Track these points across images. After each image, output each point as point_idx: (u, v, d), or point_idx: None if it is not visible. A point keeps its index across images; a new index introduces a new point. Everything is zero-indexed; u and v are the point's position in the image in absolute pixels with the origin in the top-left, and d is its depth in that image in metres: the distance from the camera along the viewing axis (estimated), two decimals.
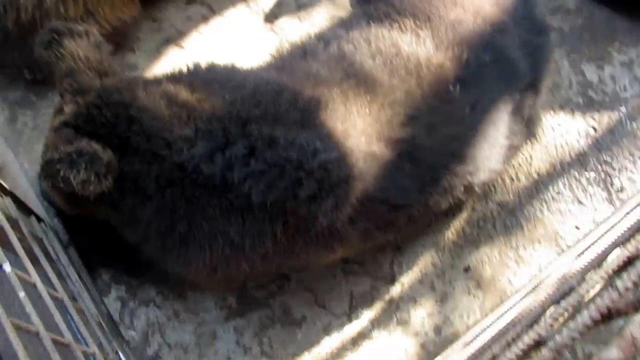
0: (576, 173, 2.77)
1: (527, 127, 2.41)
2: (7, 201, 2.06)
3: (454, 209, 2.58)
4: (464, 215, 2.65)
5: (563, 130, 2.85)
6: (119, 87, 1.91)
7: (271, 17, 3.12)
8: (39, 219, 2.32)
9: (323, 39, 2.32)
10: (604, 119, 2.88)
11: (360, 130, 1.98)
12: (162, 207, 1.88)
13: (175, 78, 2.04)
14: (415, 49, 2.16)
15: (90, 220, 2.23)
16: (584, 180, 2.75)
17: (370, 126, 2.01)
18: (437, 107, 2.10)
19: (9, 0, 2.52)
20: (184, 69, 2.12)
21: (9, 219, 1.93)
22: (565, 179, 2.75)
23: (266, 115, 1.89)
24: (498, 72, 2.24)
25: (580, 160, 2.80)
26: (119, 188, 1.85)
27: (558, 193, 2.71)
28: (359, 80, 2.07)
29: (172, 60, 2.97)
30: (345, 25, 2.40)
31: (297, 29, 3.06)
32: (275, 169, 1.81)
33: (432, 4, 2.30)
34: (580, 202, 2.70)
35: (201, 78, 2.05)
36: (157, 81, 2.02)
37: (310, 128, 1.91)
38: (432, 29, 2.22)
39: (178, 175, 1.84)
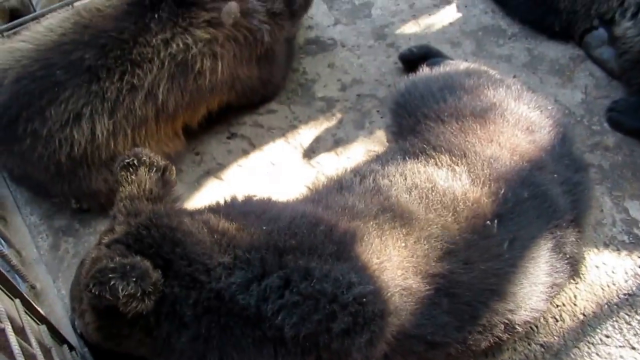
0: (626, 315, 2.63)
1: (570, 265, 2.33)
2: (42, 329, 2.06)
3: (494, 349, 2.45)
4: (504, 356, 2.50)
5: (609, 269, 2.75)
6: (168, 212, 1.97)
7: (309, 151, 3.22)
8: (71, 347, 2.30)
9: (359, 173, 2.37)
10: None
11: (396, 264, 1.95)
12: (198, 335, 1.84)
13: (214, 209, 2.09)
14: (452, 184, 2.18)
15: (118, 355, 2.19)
16: (635, 323, 2.60)
17: (406, 260, 1.98)
18: (475, 242, 2.07)
19: (64, 136, 2.69)
20: (222, 202, 2.18)
21: (43, 347, 1.92)
22: (615, 321, 2.61)
23: (302, 247, 1.89)
24: (536, 208, 2.22)
25: (629, 302, 2.66)
26: (157, 312, 1.84)
27: (607, 336, 2.56)
28: (395, 214, 2.08)
29: (213, 192, 3.06)
30: (380, 160, 2.45)
31: (334, 163, 3.14)
32: (310, 301, 1.77)
33: (467, 140, 2.35)
34: (632, 347, 2.53)
35: (237, 210, 2.09)
36: (200, 211, 2.08)
37: (346, 261, 1.89)
38: (469, 164, 2.24)
39: (215, 303, 1.82)
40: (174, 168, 2.17)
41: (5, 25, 3.43)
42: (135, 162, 2.07)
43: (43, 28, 2.88)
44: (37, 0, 3.69)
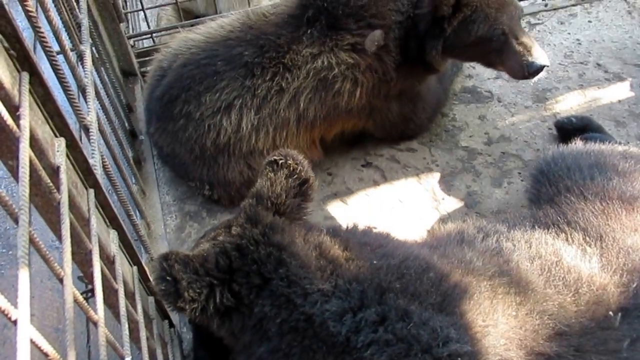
0: None
1: None
2: (150, 300, 2.18)
3: None
4: None
5: None
6: (284, 228, 1.97)
7: (439, 197, 3.17)
8: (171, 324, 2.42)
9: (483, 230, 2.29)
10: None
11: (501, 332, 1.84)
12: (277, 349, 1.85)
13: (333, 232, 2.08)
14: (579, 263, 2.03)
15: (214, 341, 2.25)
16: None
17: (512, 330, 1.86)
18: (591, 330, 1.90)
19: (214, 122, 2.89)
20: (344, 227, 2.18)
21: (147, 317, 2.03)
22: None
23: (406, 290, 1.84)
24: None
25: None
26: (243, 324, 1.88)
27: None
28: (512, 280, 1.97)
29: (335, 214, 3.11)
30: (508, 222, 2.36)
31: (461, 214, 3.08)
32: (402, 344, 1.72)
33: (608, 224, 2.19)
34: None
35: (356, 239, 2.07)
36: (319, 230, 2.07)
37: (448, 314, 1.81)
38: (603, 248, 2.09)
39: (303, 325, 1.80)
40: (315, 184, 2.13)
41: (189, 22, 3.92)
42: (281, 162, 2.08)
43: (215, 24, 3.16)
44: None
